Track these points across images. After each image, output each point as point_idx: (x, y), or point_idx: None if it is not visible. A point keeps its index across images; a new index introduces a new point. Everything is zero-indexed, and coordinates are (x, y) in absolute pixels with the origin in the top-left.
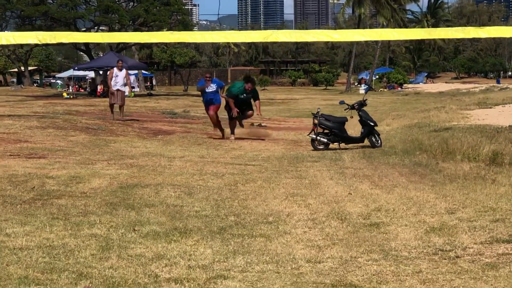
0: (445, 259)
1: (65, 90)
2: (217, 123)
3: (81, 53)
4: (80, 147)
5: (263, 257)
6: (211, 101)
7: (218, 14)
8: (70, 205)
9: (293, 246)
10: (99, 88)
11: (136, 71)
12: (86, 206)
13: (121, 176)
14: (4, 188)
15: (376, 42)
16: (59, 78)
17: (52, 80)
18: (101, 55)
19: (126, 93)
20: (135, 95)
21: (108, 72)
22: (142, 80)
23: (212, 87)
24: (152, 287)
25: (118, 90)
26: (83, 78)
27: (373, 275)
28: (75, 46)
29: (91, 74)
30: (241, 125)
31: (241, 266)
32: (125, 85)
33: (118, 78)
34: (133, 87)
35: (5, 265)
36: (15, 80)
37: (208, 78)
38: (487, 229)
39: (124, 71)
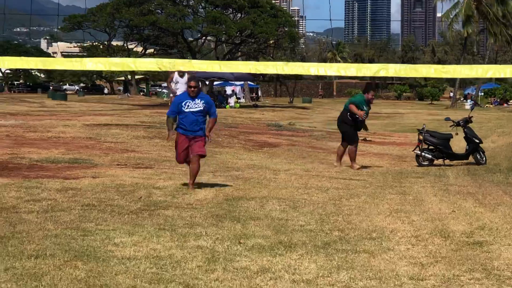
0: None
1: (170, 99)
2: (195, 174)
3: None
4: None
5: (367, 273)
6: (192, 129)
7: (330, 20)
8: (176, 216)
9: (396, 262)
10: None
11: (242, 82)
12: (192, 218)
13: (227, 188)
14: (112, 198)
15: (483, 57)
16: (165, 87)
17: (158, 89)
18: None
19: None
20: (241, 106)
21: (170, 75)
22: (248, 91)
23: (196, 105)
24: None
25: None
26: None
27: None
28: (182, 56)
29: None
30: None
31: (344, 281)
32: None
33: (179, 85)
34: (239, 98)
35: (114, 274)
36: (121, 88)
37: (193, 89)
38: None
39: (185, 77)
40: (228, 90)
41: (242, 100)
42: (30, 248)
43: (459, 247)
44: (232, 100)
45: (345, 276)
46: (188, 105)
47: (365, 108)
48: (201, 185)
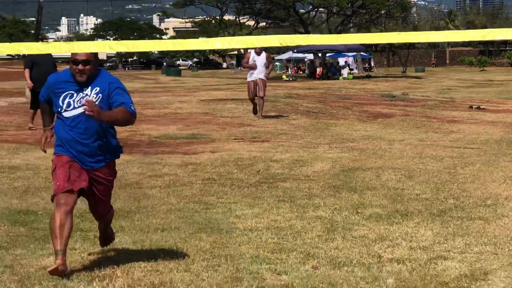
0: None
1: (284, 73)
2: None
3: (299, 35)
4: (302, 131)
5: (482, 239)
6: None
7: None
8: (295, 188)
9: (511, 228)
10: (318, 70)
11: (355, 53)
12: (310, 189)
13: (343, 159)
14: (231, 172)
15: None
16: (278, 60)
17: None
18: None
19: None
20: (354, 77)
21: (245, 55)
22: (361, 62)
23: (85, 96)
24: (376, 267)
25: (254, 81)
26: (301, 60)
27: None
28: (294, 29)
29: (310, 56)
30: None
31: (460, 247)
32: (264, 71)
33: (256, 64)
34: (352, 69)
35: (237, 245)
36: (234, 62)
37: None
38: None
39: (263, 55)
40: (341, 61)
41: (355, 71)
42: (155, 222)
43: None
44: (345, 72)
45: (461, 242)
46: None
47: None
48: (317, 157)
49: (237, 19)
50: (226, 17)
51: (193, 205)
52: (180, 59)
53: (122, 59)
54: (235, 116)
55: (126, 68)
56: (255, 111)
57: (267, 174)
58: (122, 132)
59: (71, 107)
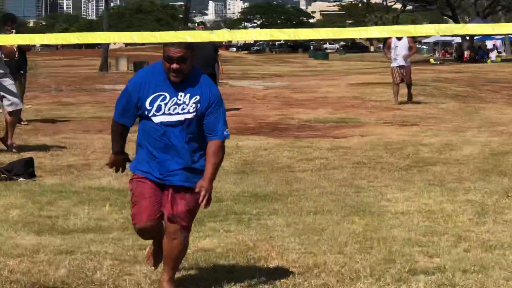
0: None
1: (431, 56)
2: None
3: (446, 18)
4: (451, 115)
5: None
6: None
7: None
8: (444, 171)
9: None
10: (466, 53)
11: (503, 36)
12: (460, 173)
13: (492, 143)
14: (381, 155)
15: None
16: (425, 43)
17: (418, 45)
18: (468, 21)
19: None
20: (502, 60)
21: (387, 40)
22: (509, 45)
23: (181, 103)
24: None
25: (399, 67)
26: (449, 43)
27: None
28: (442, 12)
29: (457, 39)
30: None
31: None
32: (406, 58)
33: (398, 50)
34: (500, 52)
35: (389, 228)
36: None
37: (175, 74)
38: None
39: (405, 39)
40: (489, 44)
41: (503, 53)
42: (308, 205)
43: None
44: (493, 54)
45: None
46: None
47: None
48: (466, 141)
49: (384, 2)
50: (373, 1)
51: (345, 188)
52: (327, 43)
53: (269, 42)
54: (384, 100)
55: (274, 52)
56: (397, 100)
57: (417, 158)
58: (272, 116)
59: (161, 112)
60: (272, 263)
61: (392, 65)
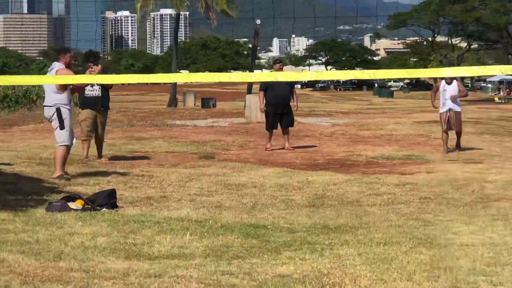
0: None
1: (496, 94)
2: None
3: (511, 56)
4: None
5: None
6: None
7: None
8: (508, 207)
9: None
10: None
11: None
12: None
13: None
14: (447, 191)
15: None
16: (490, 82)
17: (482, 84)
18: None
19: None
20: None
21: (435, 84)
22: None
23: None
24: None
25: (449, 111)
26: None
27: None
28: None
29: None
30: None
31: None
32: (455, 99)
33: (447, 94)
34: None
35: (455, 258)
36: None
37: None
38: None
39: (454, 83)
40: None
41: None
42: (377, 236)
43: None
44: None
45: None
46: None
47: None
48: None
49: (449, 41)
50: (438, 39)
51: (412, 221)
52: (392, 80)
53: (334, 80)
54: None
55: (338, 89)
56: (445, 149)
57: (482, 194)
58: (339, 153)
59: None
60: None
61: (440, 110)
